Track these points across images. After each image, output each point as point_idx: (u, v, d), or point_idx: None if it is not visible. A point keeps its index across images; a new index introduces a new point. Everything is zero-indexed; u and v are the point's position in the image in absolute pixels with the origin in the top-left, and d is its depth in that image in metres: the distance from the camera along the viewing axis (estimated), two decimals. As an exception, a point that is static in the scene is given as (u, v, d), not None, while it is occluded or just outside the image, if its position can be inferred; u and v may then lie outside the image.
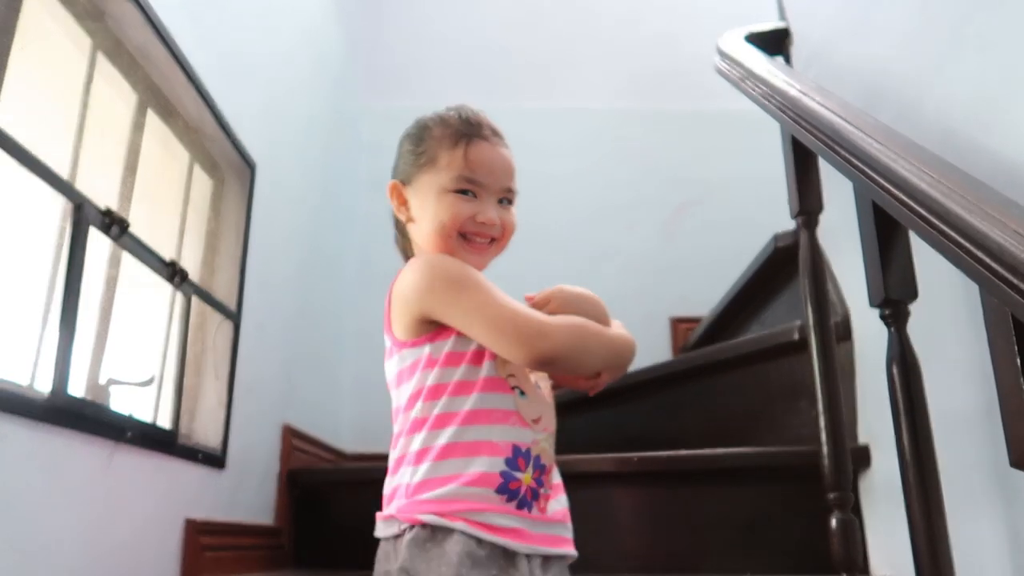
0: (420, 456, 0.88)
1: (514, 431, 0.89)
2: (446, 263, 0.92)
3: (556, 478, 0.95)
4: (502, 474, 0.86)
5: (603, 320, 0.97)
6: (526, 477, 0.88)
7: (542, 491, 0.90)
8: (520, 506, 0.87)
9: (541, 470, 0.90)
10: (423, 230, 0.96)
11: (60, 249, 1.05)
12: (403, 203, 0.99)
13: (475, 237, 0.95)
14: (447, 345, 0.90)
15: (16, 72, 0.96)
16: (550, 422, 0.94)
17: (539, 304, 0.95)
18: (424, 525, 0.84)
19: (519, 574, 0.84)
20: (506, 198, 0.97)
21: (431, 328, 0.91)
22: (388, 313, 0.95)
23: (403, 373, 0.93)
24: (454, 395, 0.88)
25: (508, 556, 0.85)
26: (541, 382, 0.96)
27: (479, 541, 0.83)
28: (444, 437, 0.87)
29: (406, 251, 1.05)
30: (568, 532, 0.94)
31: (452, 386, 0.89)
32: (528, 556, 0.86)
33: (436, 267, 0.91)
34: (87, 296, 1.07)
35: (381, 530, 0.90)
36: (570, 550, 0.93)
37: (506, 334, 0.86)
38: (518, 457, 0.88)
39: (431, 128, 0.98)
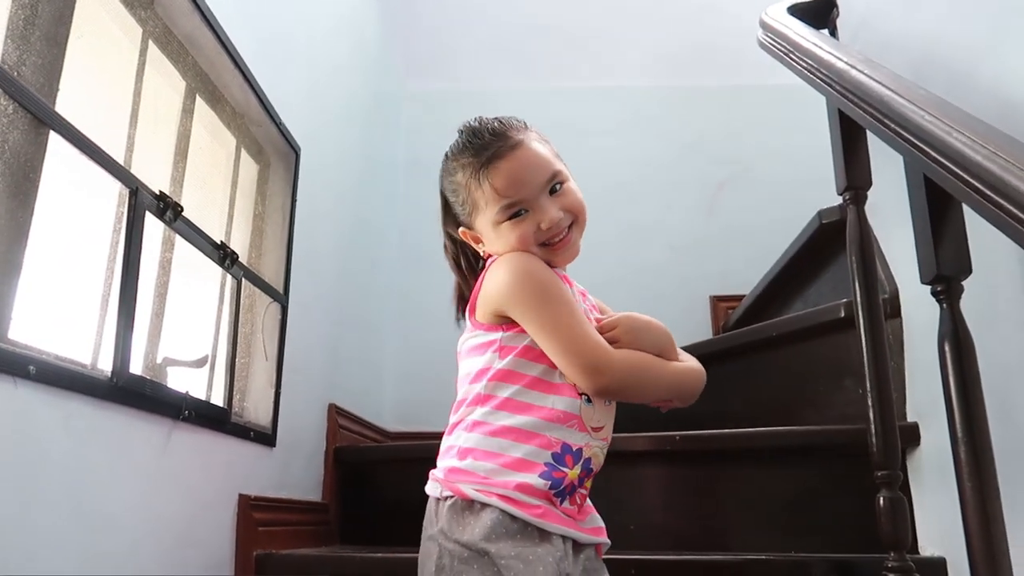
0: (476, 426, 0.94)
1: (570, 432, 0.93)
2: (534, 271, 0.95)
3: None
4: (546, 464, 0.90)
5: (668, 352, 0.99)
6: (572, 473, 0.92)
7: (581, 490, 0.95)
8: (557, 495, 0.91)
9: (588, 472, 0.95)
10: (509, 256, 0.98)
11: (118, 233, 1.08)
12: (478, 242, 1.03)
13: (553, 239, 0.97)
14: (527, 339, 0.94)
15: (72, 61, 1.00)
16: (609, 433, 0.98)
17: (604, 329, 0.96)
18: (465, 496, 0.89)
19: (555, 549, 0.88)
20: (555, 184, 0.97)
21: (509, 320, 0.95)
22: (473, 299, 0.99)
23: (475, 349, 0.98)
24: (529, 388, 0.93)
25: (543, 534, 0.89)
26: None
27: (512, 517, 0.88)
28: (505, 419, 0.93)
29: (457, 261, 1.09)
30: (600, 522, 0.99)
31: (528, 379, 0.94)
32: (563, 537, 0.90)
33: (524, 274, 0.94)
34: (144, 278, 1.10)
35: (429, 488, 0.96)
36: (603, 538, 0.98)
37: (570, 360, 0.91)
38: (567, 454, 0.92)
39: (455, 174, 1.00)
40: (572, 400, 0.93)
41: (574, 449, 0.92)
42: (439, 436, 1.01)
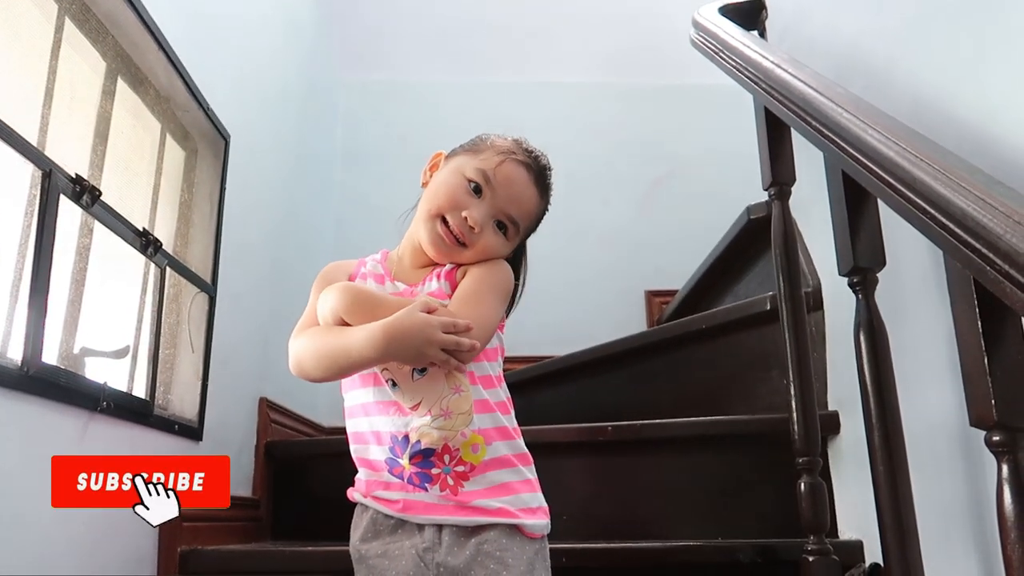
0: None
1: (392, 420, 0.94)
2: (326, 273, 1.04)
3: (489, 454, 0.93)
4: (387, 461, 0.94)
5: (352, 315, 0.91)
6: (405, 464, 0.92)
7: (435, 472, 0.91)
8: (417, 487, 0.92)
9: (425, 454, 0.91)
10: (424, 198, 1.03)
11: (30, 216, 1.03)
12: (432, 169, 1.07)
13: (454, 227, 0.98)
14: None
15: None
16: (436, 405, 0.92)
17: None
18: (354, 500, 0.99)
19: (420, 540, 0.91)
20: (503, 223, 1.00)
21: None
22: None
23: None
24: (348, 389, 0.99)
25: (410, 526, 0.92)
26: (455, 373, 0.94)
27: (386, 515, 0.94)
28: (350, 425, 0.99)
29: None
30: (493, 503, 0.91)
31: (347, 382, 0.99)
32: (440, 526, 0.91)
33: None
34: (59, 265, 1.06)
35: None
36: (488, 517, 0.91)
37: None
38: (395, 446, 0.93)
39: (496, 138, 1.05)
40: (381, 389, 0.95)
41: (400, 438, 0.92)
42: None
